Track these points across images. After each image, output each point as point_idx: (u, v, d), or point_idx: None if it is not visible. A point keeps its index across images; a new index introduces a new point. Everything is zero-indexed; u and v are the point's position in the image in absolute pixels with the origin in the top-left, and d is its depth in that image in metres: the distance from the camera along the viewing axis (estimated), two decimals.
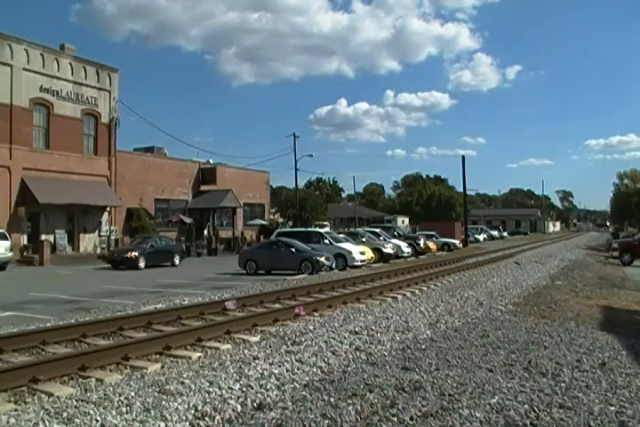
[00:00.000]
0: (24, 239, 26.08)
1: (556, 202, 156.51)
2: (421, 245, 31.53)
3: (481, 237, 55.32)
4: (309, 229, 28.65)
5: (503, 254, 29.22)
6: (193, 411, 4.65)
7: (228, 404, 4.86)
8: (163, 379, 5.53)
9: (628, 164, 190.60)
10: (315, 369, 6.10)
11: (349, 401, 4.94)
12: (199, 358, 6.71)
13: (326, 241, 22.75)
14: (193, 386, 5.24)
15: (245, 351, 6.84)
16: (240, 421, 4.53)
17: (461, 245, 39.37)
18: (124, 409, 4.63)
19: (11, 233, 23.87)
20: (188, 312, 9.80)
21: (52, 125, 27.64)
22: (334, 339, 7.50)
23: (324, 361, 6.41)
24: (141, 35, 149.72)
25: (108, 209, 30.23)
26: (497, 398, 5.03)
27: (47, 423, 4.30)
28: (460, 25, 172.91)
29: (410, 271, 18.89)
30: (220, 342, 7.70)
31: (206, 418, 4.54)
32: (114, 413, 4.54)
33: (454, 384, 5.46)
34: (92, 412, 4.54)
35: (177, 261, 24.98)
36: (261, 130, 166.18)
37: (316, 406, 4.81)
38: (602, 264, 24.43)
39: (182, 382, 5.35)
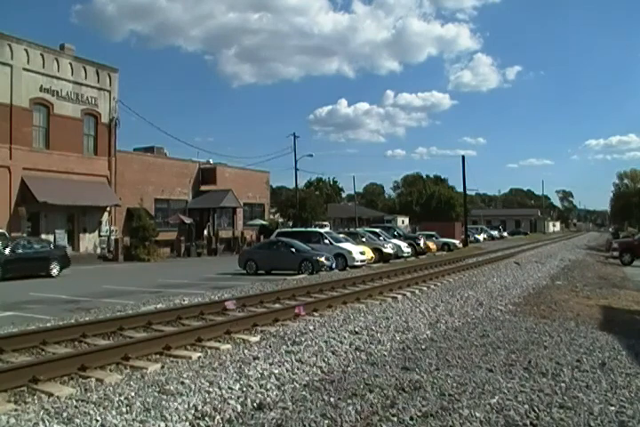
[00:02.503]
0: None
1: (556, 202, 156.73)
2: (421, 245, 31.54)
3: (481, 237, 55.34)
4: (309, 229, 28.65)
5: (503, 254, 29.22)
6: (193, 411, 4.64)
7: (228, 404, 4.86)
8: (163, 379, 5.53)
9: (628, 164, 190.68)
10: (315, 369, 6.09)
11: (349, 401, 4.94)
12: (199, 358, 6.71)
13: (326, 241, 22.75)
14: (193, 386, 5.24)
15: (245, 351, 6.84)
16: (240, 421, 4.53)
17: (461, 245, 39.38)
18: (123, 409, 4.63)
19: (11, 233, 23.87)
20: (188, 312, 9.80)
21: (52, 125, 27.62)
22: (334, 339, 7.50)
23: (324, 361, 6.41)
24: (142, 35, 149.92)
25: (108, 209, 30.23)
26: (497, 398, 5.03)
27: (47, 423, 4.30)
28: (460, 25, 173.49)
29: (410, 271, 18.89)
30: (219, 342, 7.70)
31: (206, 418, 4.54)
32: (114, 413, 4.54)
33: (454, 384, 5.46)
34: (92, 412, 4.54)
35: (55, 271, 19.75)
36: (261, 130, 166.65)
37: (316, 406, 4.81)
38: (602, 264, 24.43)
39: (182, 382, 5.35)
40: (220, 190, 36.43)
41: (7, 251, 18.53)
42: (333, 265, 20.15)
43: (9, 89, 25.50)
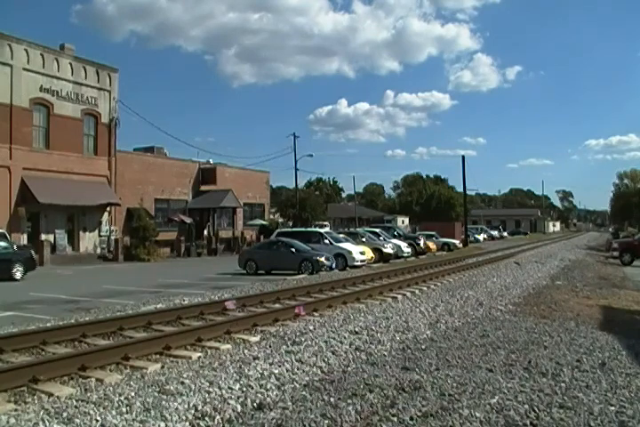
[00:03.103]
0: (24, 239, 26.05)
1: (556, 202, 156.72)
2: (421, 245, 31.54)
3: (481, 237, 55.34)
4: (309, 229, 28.65)
5: (503, 254, 29.22)
6: (193, 411, 4.64)
7: (228, 404, 4.85)
8: (163, 379, 5.53)
9: (628, 164, 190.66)
10: (315, 369, 6.09)
11: (349, 401, 4.94)
12: (199, 358, 6.71)
13: (326, 241, 22.75)
14: (193, 386, 5.24)
15: (245, 351, 6.84)
16: (240, 421, 4.53)
17: (461, 245, 39.37)
18: (123, 409, 4.63)
19: (11, 233, 23.88)
20: (188, 312, 9.80)
21: (52, 125, 27.62)
22: (334, 339, 7.50)
23: (324, 361, 6.40)
24: (142, 35, 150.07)
25: (108, 209, 30.23)
26: (497, 398, 5.03)
27: (47, 423, 4.29)
28: (460, 25, 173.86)
29: (410, 271, 18.88)
30: (219, 342, 7.70)
31: (206, 418, 4.54)
32: (114, 413, 4.53)
33: (454, 384, 5.46)
34: (92, 412, 4.54)
35: (18, 274, 18.40)
36: (261, 130, 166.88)
37: (316, 406, 4.81)
38: (602, 264, 24.42)
39: (182, 382, 5.35)
40: (220, 190, 36.43)
41: None
42: (333, 265, 20.14)
43: (9, 89, 25.49)
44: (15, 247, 20.09)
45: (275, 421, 4.46)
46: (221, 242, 36.00)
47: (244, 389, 5.26)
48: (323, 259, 19.66)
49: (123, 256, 28.77)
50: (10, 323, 9.21)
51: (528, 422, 4.45)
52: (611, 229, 76.06)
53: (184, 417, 4.51)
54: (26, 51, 26.44)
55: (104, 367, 6.23)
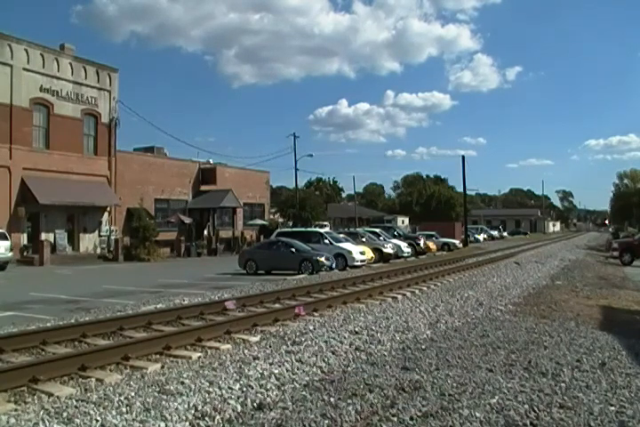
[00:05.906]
0: (24, 239, 26.08)
1: (556, 202, 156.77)
2: (421, 245, 31.54)
3: (481, 237, 55.32)
4: (309, 229, 28.65)
5: (503, 254, 29.21)
6: (193, 411, 4.64)
7: (228, 404, 4.85)
8: (163, 379, 5.53)
9: (628, 164, 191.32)
10: (315, 369, 6.09)
11: (349, 401, 4.94)
12: (199, 358, 6.71)
13: (326, 241, 22.75)
14: (193, 386, 5.24)
15: (245, 351, 6.84)
16: (240, 421, 4.53)
17: (461, 245, 39.36)
18: (123, 409, 4.63)
19: (11, 233, 23.86)
20: (188, 312, 9.80)
21: (52, 125, 27.63)
22: (334, 339, 7.50)
23: (324, 361, 6.40)
24: (142, 35, 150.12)
25: (108, 209, 30.24)
26: (497, 398, 5.03)
27: (47, 423, 4.29)
28: (460, 26, 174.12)
29: (410, 271, 18.88)
30: (220, 342, 7.70)
31: (206, 418, 4.54)
32: (114, 413, 4.53)
33: (454, 384, 5.45)
34: (92, 412, 4.54)
35: None
36: (262, 130, 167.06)
37: (316, 406, 4.81)
38: (602, 264, 24.42)
39: (182, 382, 5.35)
40: (220, 190, 36.42)
41: None
42: (333, 265, 20.14)
43: (9, 89, 25.50)
44: None
45: (275, 421, 4.46)
46: (221, 242, 35.99)
47: (244, 389, 5.26)
48: (323, 259, 19.66)
49: (123, 256, 28.75)
50: (10, 323, 9.20)
51: (528, 423, 4.45)
52: (611, 229, 76.07)
53: (184, 417, 4.51)
54: (26, 51, 26.44)
55: (104, 367, 6.23)
